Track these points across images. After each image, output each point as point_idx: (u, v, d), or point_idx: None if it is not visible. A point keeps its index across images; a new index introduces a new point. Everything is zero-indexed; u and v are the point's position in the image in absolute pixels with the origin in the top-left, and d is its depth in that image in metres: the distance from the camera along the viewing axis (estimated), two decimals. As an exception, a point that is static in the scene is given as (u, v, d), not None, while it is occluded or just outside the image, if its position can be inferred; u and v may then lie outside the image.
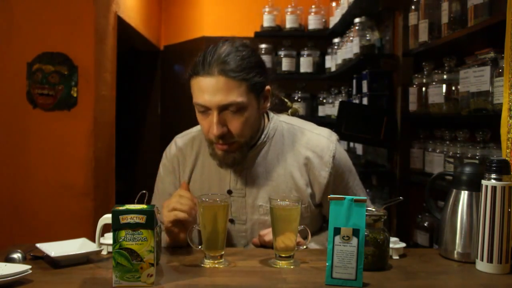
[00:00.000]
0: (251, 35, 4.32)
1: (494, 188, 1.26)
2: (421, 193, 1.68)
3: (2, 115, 3.14)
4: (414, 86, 2.55)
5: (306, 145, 1.55)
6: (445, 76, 2.26)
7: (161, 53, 5.43)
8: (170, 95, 5.30)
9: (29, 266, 1.18)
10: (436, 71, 2.35)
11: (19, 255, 1.30)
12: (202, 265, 1.31)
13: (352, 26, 3.37)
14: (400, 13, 2.76)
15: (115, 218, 1.14)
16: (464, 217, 1.37)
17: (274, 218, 1.33)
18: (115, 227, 1.14)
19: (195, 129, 1.67)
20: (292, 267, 1.30)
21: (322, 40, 4.31)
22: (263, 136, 1.55)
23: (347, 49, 3.47)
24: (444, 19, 2.18)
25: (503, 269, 1.27)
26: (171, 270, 1.28)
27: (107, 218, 1.24)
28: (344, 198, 1.18)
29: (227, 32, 4.59)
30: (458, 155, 2.17)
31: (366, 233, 1.26)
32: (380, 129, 2.80)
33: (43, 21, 3.17)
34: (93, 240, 1.34)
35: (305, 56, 4.31)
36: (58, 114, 3.19)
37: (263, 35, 4.33)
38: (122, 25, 3.93)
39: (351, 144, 3.69)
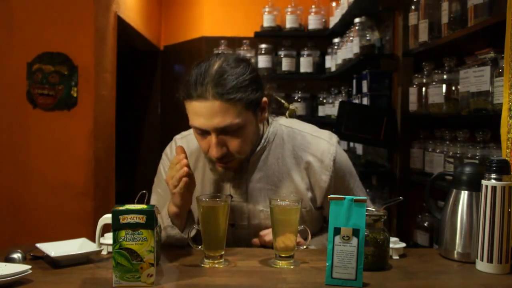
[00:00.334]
0: (251, 35, 4.32)
1: (494, 188, 1.26)
2: (421, 193, 1.68)
3: (2, 115, 3.14)
4: (414, 86, 2.55)
5: (307, 148, 1.54)
6: (445, 76, 2.26)
7: (161, 53, 5.43)
8: (170, 95, 5.29)
9: (29, 266, 1.18)
10: (436, 71, 2.35)
11: (19, 255, 1.30)
12: (202, 265, 1.31)
13: (352, 26, 3.37)
14: (400, 13, 2.76)
15: (115, 218, 1.14)
16: (464, 217, 1.37)
17: (274, 218, 1.33)
18: (115, 227, 1.14)
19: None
20: (292, 267, 1.30)
21: (322, 40, 4.31)
22: (262, 141, 1.54)
23: (347, 49, 3.47)
24: (444, 19, 2.18)
25: (503, 269, 1.27)
26: (171, 270, 1.28)
27: (107, 218, 1.24)
28: (344, 198, 1.18)
29: (227, 32, 4.59)
30: (458, 155, 2.17)
31: (366, 233, 1.26)
32: (380, 129, 2.80)
33: (43, 21, 3.17)
34: (93, 240, 1.34)
35: (305, 56, 4.31)
36: (58, 114, 3.19)
37: (263, 35, 4.33)
38: (122, 25, 3.93)
39: (351, 144, 3.69)
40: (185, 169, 1.40)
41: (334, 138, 1.58)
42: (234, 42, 4.46)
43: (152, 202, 1.64)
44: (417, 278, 1.24)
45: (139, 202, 1.28)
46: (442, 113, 2.25)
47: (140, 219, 1.14)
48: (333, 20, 4.03)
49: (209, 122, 1.37)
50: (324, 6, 4.30)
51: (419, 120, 2.65)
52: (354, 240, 1.17)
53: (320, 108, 4.33)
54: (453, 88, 2.19)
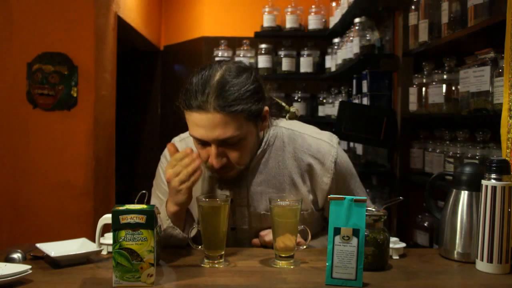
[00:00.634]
0: (251, 35, 4.32)
1: (494, 188, 1.26)
2: (421, 193, 1.68)
3: (2, 115, 3.14)
4: (414, 86, 2.55)
5: (307, 151, 1.53)
6: (445, 76, 2.26)
7: (161, 53, 5.43)
8: (170, 95, 5.29)
9: (29, 266, 1.18)
10: (436, 71, 2.35)
11: (19, 255, 1.30)
12: (202, 265, 1.31)
13: (352, 26, 3.37)
14: (400, 13, 2.76)
15: (115, 218, 1.14)
16: (464, 217, 1.37)
17: (274, 218, 1.33)
18: (115, 227, 1.14)
19: None
20: (292, 267, 1.30)
21: (322, 40, 4.31)
22: (263, 144, 1.53)
23: (347, 49, 3.47)
24: (444, 19, 2.18)
25: (503, 269, 1.27)
26: (171, 270, 1.28)
27: (107, 218, 1.24)
28: (344, 198, 1.18)
29: (227, 32, 4.59)
30: (458, 155, 2.17)
31: (366, 233, 1.26)
32: (380, 129, 2.80)
33: (43, 21, 3.17)
34: (93, 240, 1.34)
35: (305, 56, 4.31)
36: (58, 114, 3.19)
37: (263, 35, 4.33)
38: (122, 25, 3.93)
39: (351, 144, 3.68)
40: (199, 160, 1.37)
41: (335, 139, 1.58)
42: (234, 42, 4.46)
43: (152, 202, 1.64)
44: (417, 278, 1.24)
45: (139, 202, 1.28)
46: (442, 113, 2.25)
47: (140, 219, 1.14)
48: (333, 20, 4.03)
49: (210, 134, 1.36)
50: (324, 6, 4.30)
51: (419, 120, 2.65)
52: (354, 240, 1.17)
53: (320, 108, 4.33)
54: (453, 88, 2.19)
